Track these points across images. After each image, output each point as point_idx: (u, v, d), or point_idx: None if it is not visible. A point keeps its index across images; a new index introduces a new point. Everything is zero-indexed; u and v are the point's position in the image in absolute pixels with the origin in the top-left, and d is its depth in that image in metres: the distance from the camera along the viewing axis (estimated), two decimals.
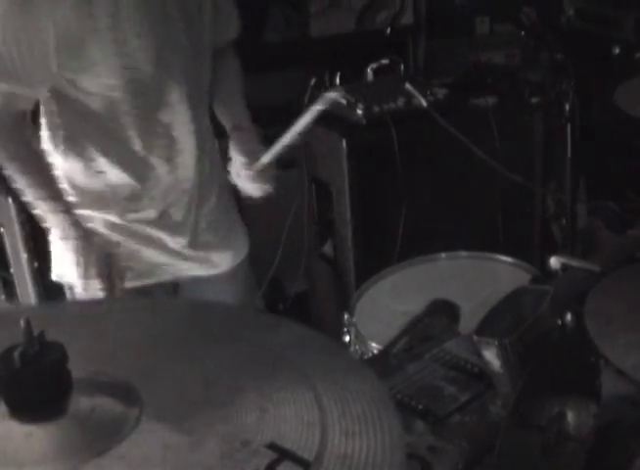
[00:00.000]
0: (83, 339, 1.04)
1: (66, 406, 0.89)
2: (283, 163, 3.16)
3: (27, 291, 2.79)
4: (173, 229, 1.94)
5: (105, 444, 0.85)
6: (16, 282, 2.85)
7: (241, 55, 2.52)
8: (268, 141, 2.10)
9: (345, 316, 1.94)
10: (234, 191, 2.11)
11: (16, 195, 1.92)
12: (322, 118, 2.87)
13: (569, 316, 1.34)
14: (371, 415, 0.89)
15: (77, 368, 0.91)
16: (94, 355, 1.01)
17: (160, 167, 1.86)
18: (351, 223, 2.82)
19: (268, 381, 0.95)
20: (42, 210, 1.79)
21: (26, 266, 2.75)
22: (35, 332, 0.88)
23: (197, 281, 2.04)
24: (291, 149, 2.91)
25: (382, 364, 1.39)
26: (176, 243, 1.95)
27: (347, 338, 1.90)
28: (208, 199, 2.00)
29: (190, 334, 1.08)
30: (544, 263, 2.64)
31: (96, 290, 1.83)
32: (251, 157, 2.03)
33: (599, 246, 3.02)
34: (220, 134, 2.10)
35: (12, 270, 2.85)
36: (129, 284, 1.90)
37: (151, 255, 1.94)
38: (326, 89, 2.91)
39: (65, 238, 1.82)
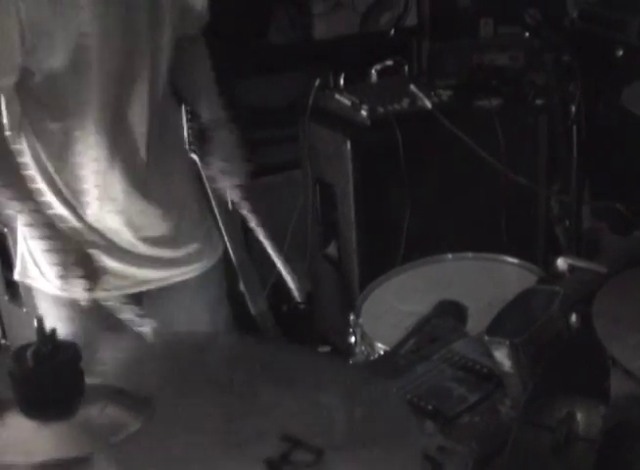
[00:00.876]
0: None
1: (76, 406, 0.90)
2: (286, 164, 3.18)
3: (31, 292, 2.79)
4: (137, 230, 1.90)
5: (115, 433, 0.86)
6: (20, 285, 2.85)
7: (245, 57, 2.54)
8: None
9: (351, 317, 1.94)
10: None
11: None
12: (326, 120, 2.89)
13: (574, 317, 1.35)
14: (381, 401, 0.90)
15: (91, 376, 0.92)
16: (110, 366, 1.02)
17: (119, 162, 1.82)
18: (355, 224, 2.82)
19: (284, 395, 0.95)
20: (14, 209, 1.77)
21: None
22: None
23: (162, 291, 1.98)
24: (294, 150, 2.92)
25: (390, 365, 1.40)
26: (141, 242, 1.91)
27: (353, 339, 1.90)
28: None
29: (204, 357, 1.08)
30: (548, 265, 2.64)
31: (76, 290, 1.80)
32: (230, 160, 2.00)
33: (602, 247, 3.02)
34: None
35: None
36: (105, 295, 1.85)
37: (115, 258, 1.90)
38: (330, 90, 2.93)
39: (40, 238, 1.79)
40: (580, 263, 1.55)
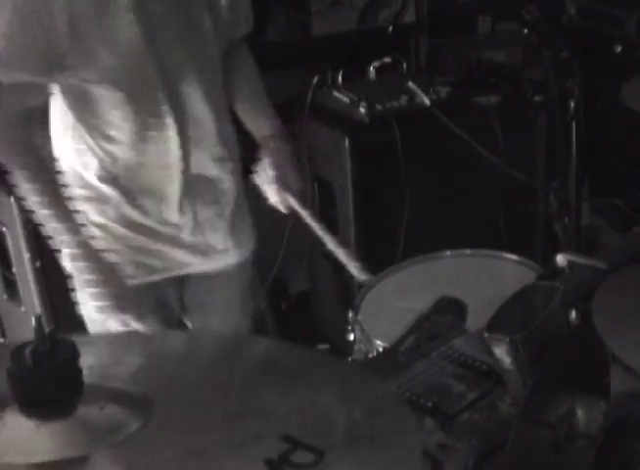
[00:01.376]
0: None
1: (75, 405, 0.89)
2: None
3: (30, 290, 2.79)
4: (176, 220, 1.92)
5: (117, 433, 0.85)
6: (18, 282, 2.85)
7: None
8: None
9: (350, 315, 1.93)
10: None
11: (18, 194, 1.90)
12: (325, 117, 2.89)
13: (573, 314, 1.35)
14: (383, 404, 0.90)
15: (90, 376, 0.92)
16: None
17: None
18: (354, 222, 2.82)
19: (284, 396, 0.95)
20: (45, 219, 1.78)
21: (29, 266, 2.75)
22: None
23: (203, 277, 2.03)
24: (293, 147, 2.91)
25: (389, 362, 1.39)
26: (178, 231, 1.93)
27: (352, 336, 1.90)
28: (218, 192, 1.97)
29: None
30: (547, 262, 2.63)
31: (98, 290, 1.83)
32: (280, 170, 2.02)
33: (601, 244, 3.02)
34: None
35: (14, 270, 2.85)
36: (137, 281, 1.90)
37: (158, 248, 1.92)
38: (328, 88, 2.92)
39: (81, 270, 1.82)
40: (580, 260, 1.55)
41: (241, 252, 2.07)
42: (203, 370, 1.01)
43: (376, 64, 2.96)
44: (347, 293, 2.83)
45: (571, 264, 1.57)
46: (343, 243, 2.88)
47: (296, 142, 2.99)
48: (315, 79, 2.90)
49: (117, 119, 1.75)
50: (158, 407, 0.91)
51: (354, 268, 2.11)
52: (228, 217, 1.99)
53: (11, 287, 2.90)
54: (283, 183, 2.04)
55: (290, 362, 1.04)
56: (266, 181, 2.05)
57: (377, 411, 0.91)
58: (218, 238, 1.99)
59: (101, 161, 1.81)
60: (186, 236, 1.93)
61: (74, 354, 0.90)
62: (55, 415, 0.88)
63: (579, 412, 1.14)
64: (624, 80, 1.89)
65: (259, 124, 2.07)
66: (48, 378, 0.88)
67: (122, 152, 1.80)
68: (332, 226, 2.96)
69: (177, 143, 1.80)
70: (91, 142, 1.79)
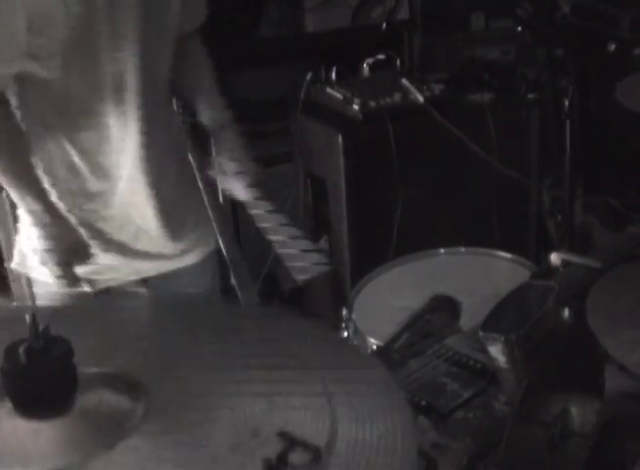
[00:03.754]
0: (86, 334, 1.03)
1: (72, 402, 0.89)
2: (278, 158, 3.17)
3: (21, 285, 2.77)
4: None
5: (112, 438, 0.84)
6: (10, 277, 2.84)
7: (237, 50, 2.52)
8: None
9: (344, 312, 1.93)
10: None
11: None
12: (318, 114, 2.88)
13: (566, 312, 1.34)
14: (380, 405, 0.89)
15: (81, 363, 0.91)
16: (98, 351, 1.01)
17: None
18: (347, 219, 2.81)
19: (275, 372, 0.94)
20: (15, 195, 1.77)
21: None
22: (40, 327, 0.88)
23: (165, 277, 1.98)
24: (285, 144, 2.92)
25: (383, 360, 1.39)
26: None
27: (346, 334, 1.90)
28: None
29: (192, 327, 1.08)
30: (539, 259, 2.63)
31: (63, 280, 1.81)
32: (235, 158, 2.00)
33: (594, 242, 3.02)
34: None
35: (6, 265, 2.84)
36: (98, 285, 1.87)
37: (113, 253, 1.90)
38: (322, 84, 2.92)
39: (37, 225, 1.79)
40: (574, 258, 1.54)
41: (197, 252, 2.04)
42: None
43: (369, 60, 2.96)
44: (341, 290, 2.83)
45: (564, 263, 1.57)
46: (336, 240, 2.90)
47: (288, 138, 3.00)
48: (309, 76, 2.90)
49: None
50: (152, 402, 0.90)
51: (308, 261, 2.07)
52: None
53: (2, 282, 2.89)
54: (239, 174, 2.01)
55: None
56: (223, 172, 2.01)
57: (374, 402, 0.90)
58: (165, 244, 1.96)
59: None
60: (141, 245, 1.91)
61: (69, 352, 0.89)
62: (50, 413, 0.88)
63: (574, 411, 1.14)
64: (618, 79, 1.89)
65: (208, 116, 2.05)
66: (43, 376, 0.87)
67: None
68: (324, 223, 2.97)
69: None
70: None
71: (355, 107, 2.76)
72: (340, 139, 2.73)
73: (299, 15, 3.32)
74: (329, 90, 2.87)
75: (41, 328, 0.88)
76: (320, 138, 2.85)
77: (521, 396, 1.07)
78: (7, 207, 2.69)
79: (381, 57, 2.98)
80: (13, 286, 2.83)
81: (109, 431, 0.86)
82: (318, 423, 0.85)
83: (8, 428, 0.87)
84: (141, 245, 1.91)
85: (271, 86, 3.10)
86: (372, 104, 2.77)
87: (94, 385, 0.93)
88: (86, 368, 0.92)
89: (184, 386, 0.94)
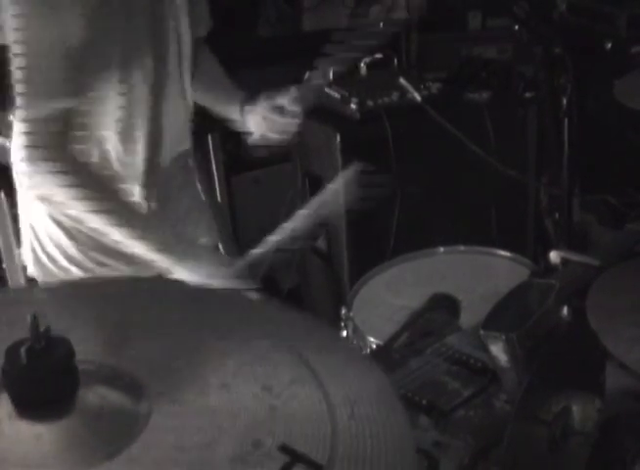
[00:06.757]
0: (83, 325, 1.03)
1: (73, 403, 0.88)
2: (276, 157, 3.17)
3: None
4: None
5: (114, 444, 0.83)
6: (8, 277, 2.84)
7: (235, 49, 2.52)
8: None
9: (343, 311, 1.93)
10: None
11: (7, 189, 1.88)
12: (316, 113, 2.88)
13: (565, 311, 1.34)
14: (379, 415, 0.89)
15: (80, 358, 0.90)
16: (96, 343, 1.00)
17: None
18: (345, 218, 2.81)
19: (276, 377, 0.94)
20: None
21: (18, 262, 2.74)
22: (42, 327, 0.87)
23: None
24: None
25: (383, 360, 1.39)
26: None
27: (345, 333, 1.90)
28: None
29: (192, 319, 1.08)
30: (538, 258, 2.63)
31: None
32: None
33: (592, 241, 3.02)
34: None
35: (4, 265, 2.84)
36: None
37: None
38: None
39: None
40: (574, 257, 1.54)
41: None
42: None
43: (367, 60, 2.95)
44: (339, 289, 2.84)
45: (564, 261, 1.57)
46: (335, 239, 2.90)
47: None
48: (306, 75, 2.89)
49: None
50: (154, 404, 0.90)
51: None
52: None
53: (0, 282, 2.89)
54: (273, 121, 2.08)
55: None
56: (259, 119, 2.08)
57: (373, 412, 0.90)
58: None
59: None
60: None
61: (70, 352, 0.89)
62: (52, 415, 0.87)
63: (575, 410, 1.13)
64: (614, 77, 1.89)
65: (230, 110, 2.07)
66: (44, 377, 0.87)
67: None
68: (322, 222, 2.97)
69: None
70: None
71: (353, 106, 2.76)
72: (337, 138, 2.73)
73: (297, 14, 3.32)
74: (326, 89, 2.86)
75: (42, 329, 0.87)
76: (318, 137, 2.85)
77: (521, 394, 1.07)
78: (5, 207, 2.69)
79: (378, 56, 2.98)
80: (11, 286, 2.83)
81: (110, 437, 0.85)
82: (319, 435, 0.85)
83: (9, 430, 0.86)
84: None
85: (269, 85, 3.09)
86: (370, 103, 2.77)
87: (95, 384, 0.92)
88: (85, 364, 0.91)
89: (185, 385, 0.93)
